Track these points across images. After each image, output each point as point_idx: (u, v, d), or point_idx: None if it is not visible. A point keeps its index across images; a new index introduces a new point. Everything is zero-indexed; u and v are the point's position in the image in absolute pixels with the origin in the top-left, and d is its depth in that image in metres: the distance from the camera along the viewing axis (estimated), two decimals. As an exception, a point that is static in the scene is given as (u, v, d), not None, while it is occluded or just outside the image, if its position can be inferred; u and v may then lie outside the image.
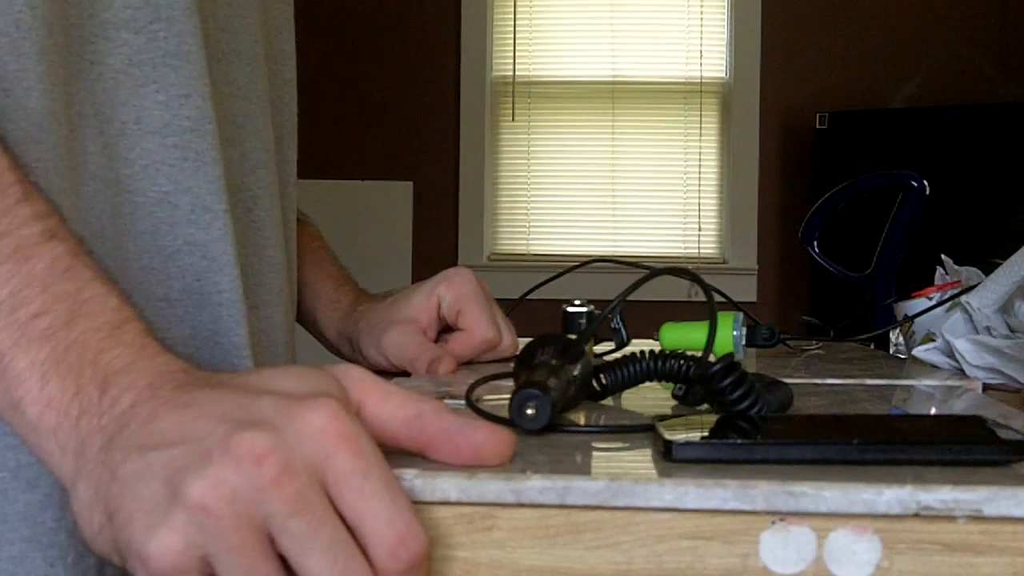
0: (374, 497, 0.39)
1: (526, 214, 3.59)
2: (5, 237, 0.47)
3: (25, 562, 0.53)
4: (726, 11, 3.52)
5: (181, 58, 0.60)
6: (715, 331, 0.58)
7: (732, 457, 0.44)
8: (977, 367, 0.79)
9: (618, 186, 3.55)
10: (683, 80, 3.54)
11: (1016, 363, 0.77)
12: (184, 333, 0.62)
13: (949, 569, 0.40)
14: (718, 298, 0.64)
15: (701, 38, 3.54)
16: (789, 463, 0.43)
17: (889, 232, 1.85)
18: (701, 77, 3.53)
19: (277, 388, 0.42)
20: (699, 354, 0.57)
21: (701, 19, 3.53)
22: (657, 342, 0.85)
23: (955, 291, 0.90)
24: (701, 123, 3.54)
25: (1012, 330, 0.82)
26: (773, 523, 0.41)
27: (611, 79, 3.54)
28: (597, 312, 0.86)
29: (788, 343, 0.99)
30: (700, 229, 3.54)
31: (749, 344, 0.87)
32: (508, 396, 0.49)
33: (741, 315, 0.83)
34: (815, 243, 1.98)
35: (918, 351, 0.86)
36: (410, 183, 3.54)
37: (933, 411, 0.65)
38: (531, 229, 3.58)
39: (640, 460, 0.46)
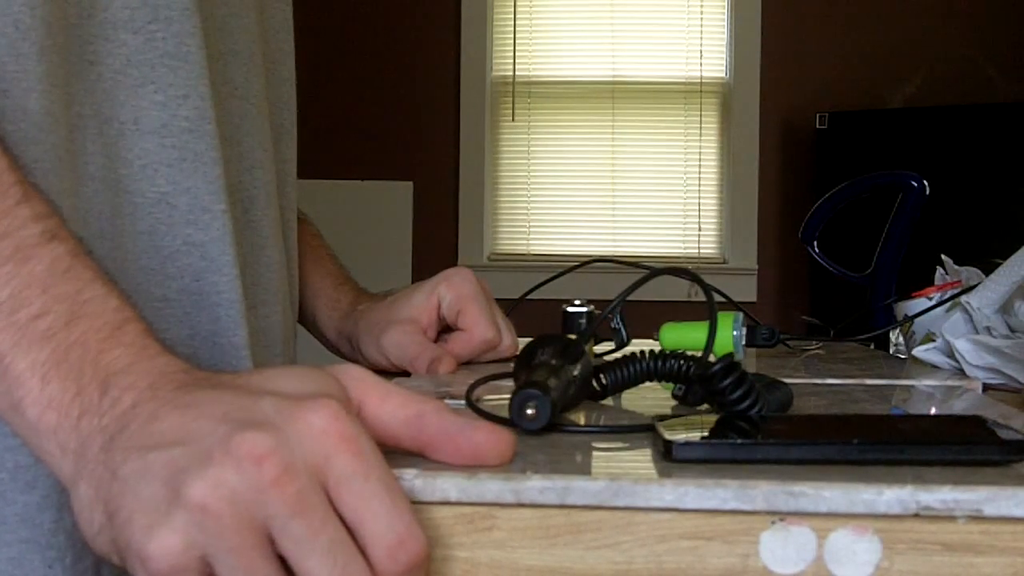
0: (374, 499, 0.39)
1: (526, 214, 3.59)
2: (5, 238, 0.47)
3: (23, 563, 0.53)
4: (726, 11, 3.52)
5: (179, 58, 0.60)
6: (715, 331, 0.58)
7: (732, 457, 0.44)
8: (977, 367, 0.79)
9: (618, 186, 3.55)
10: (683, 80, 3.54)
11: (1016, 363, 0.77)
12: (183, 333, 0.62)
13: (949, 569, 0.40)
14: (718, 298, 0.64)
15: (701, 38, 3.54)
16: (789, 463, 0.43)
17: (889, 232, 1.85)
18: (701, 77, 3.53)
19: (278, 389, 0.42)
20: (699, 354, 0.57)
21: (701, 19, 3.53)
22: (657, 342, 0.85)
23: (955, 291, 0.90)
24: (701, 123, 3.54)
25: (1012, 330, 0.82)
26: (773, 523, 0.41)
27: (611, 79, 3.54)
28: (597, 312, 0.86)
29: (788, 343, 0.99)
30: (700, 229, 3.54)
31: (749, 344, 0.87)
32: (508, 396, 0.49)
33: (741, 315, 0.83)
34: (815, 243, 1.98)
35: (918, 351, 0.86)
36: (410, 183, 3.54)
37: (933, 411, 0.65)
38: (531, 229, 3.58)
39: (640, 460, 0.46)
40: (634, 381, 0.59)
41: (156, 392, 0.43)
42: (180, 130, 0.61)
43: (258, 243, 0.70)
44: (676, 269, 0.68)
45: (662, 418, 0.49)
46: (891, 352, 1.12)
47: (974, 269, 0.97)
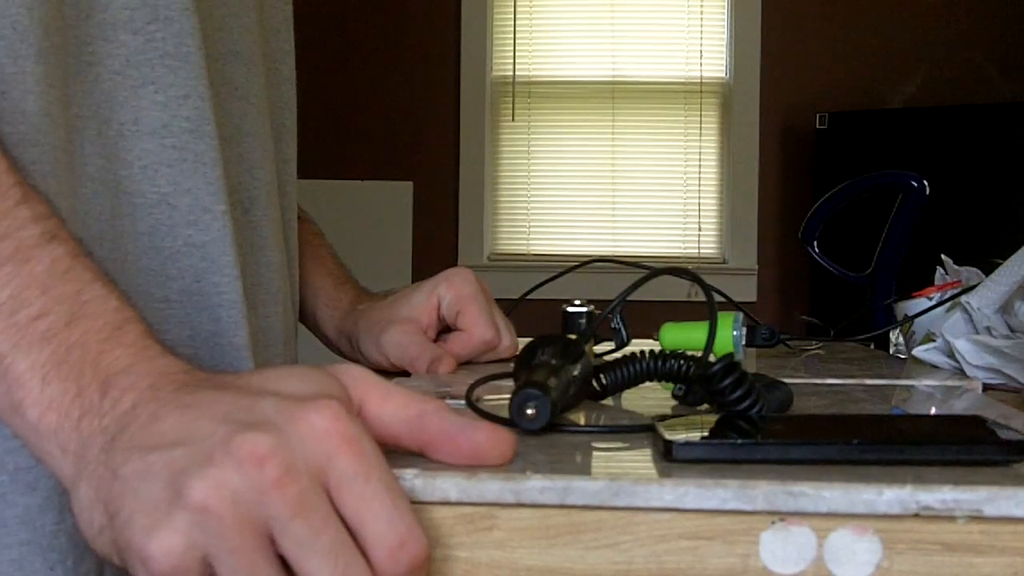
0: (375, 500, 0.39)
1: (526, 214, 3.59)
2: (5, 239, 0.47)
3: (24, 566, 0.53)
4: (726, 11, 3.52)
5: (179, 59, 0.60)
6: (715, 331, 0.58)
7: (732, 457, 0.44)
8: (977, 367, 0.79)
9: (618, 186, 3.55)
10: (683, 80, 3.54)
11: (1016, 363, 0.77)
12: (184, 334, 0.62)
13: (949, 569, 0.40)
14: (718, 298, 0.64)
15: (701, 38, 3.54)
16: (789, 463, 0.43)
17: (889, 232, 1.85)
18: (701, 77, 3.53)
19: (279, 389, 0.42)
20: (699, 354, 0.57)
21: (701, 19, 3.53)
22: (657, 342, 0.85)
23: (955, 291, 0.90)
24: (701, 123, 3.54)
25: (1012, 330, 0.82)
26: (773, 523, 0.41)
27: (611, 79, 3.54)
28: (597, 312, 0.86)
29: (788, 343, 0.99)
30: (700, 229, 3.54)
31: (749, 344, 0.87)
32: (508, 396, 0.49)
33: (741, 315, 0.83)
34: (815, 243, 1.98)
35: (918, 351, 0.86)
36: (410, 183, 3.54)
37: (933, 411, 0.65)
38: (531, 229, 3.58)
39: (640, 460, 0.46)
40: (634, 381, 0.59)
41: (157, 393, 0.43)
42: (180, 131, 0.61)
43: (259, 243, 0.70)
44: (676, 269, 0.68)
45: (662, 418, 0.49)
46: (891, 352, 1.12)
47: (974, 269, 0.97)
